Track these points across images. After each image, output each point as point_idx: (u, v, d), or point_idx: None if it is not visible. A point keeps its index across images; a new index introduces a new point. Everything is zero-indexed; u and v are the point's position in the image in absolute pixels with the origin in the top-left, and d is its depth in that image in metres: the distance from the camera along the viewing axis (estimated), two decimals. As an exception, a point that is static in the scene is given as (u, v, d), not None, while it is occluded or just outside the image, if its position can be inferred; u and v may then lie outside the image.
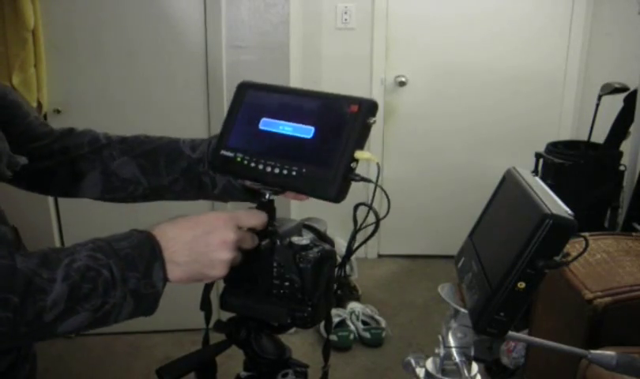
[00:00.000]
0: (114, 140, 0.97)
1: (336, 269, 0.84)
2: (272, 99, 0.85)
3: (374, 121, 0.75)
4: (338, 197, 0.75)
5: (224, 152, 0.84)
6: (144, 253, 0.70)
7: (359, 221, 0.79)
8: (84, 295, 0.66)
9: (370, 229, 0.78)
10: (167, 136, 0.97)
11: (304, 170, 0.76)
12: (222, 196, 0.95)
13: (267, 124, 0.82)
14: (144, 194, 0.96)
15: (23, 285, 0.63)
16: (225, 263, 0.73)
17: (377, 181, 0.74)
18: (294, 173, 0.77)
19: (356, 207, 0.79)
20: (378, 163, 0.77)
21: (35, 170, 0.92)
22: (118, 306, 0.69)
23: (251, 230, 0.76)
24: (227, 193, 0.93)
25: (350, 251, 0.82)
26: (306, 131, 0.78)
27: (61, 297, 0.65)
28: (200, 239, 0.73)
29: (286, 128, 0.80)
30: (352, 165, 0.75)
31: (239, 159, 0.82)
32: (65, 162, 0.95)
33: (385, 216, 0.77)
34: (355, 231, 0.80)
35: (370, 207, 0.76)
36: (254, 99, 0.86)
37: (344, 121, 0.75)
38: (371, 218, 0.78)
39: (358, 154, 0.75)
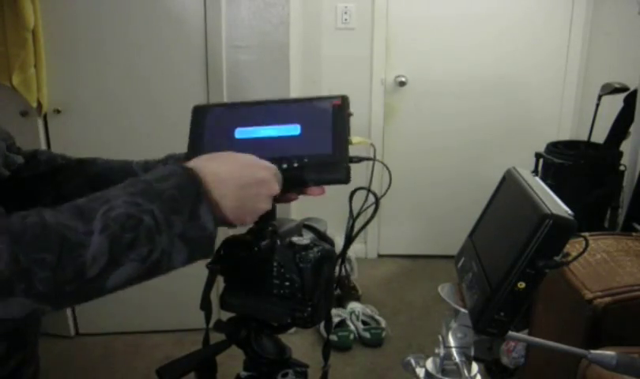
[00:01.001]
0: (73, 162, 0.95)
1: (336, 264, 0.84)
2: (239, 112, 0.85)
3: (352, 113, 0.81)
4: (347, 177, 0.77)
5: None
6: (188, 195, 0.66)
7: (359, 205, 0.80)
8: (127, 245, 0.62)
9: (370, 217, 0.79)
10: (120, 160, 0.95)
11: (306, 160, 0.77)
12: None
13: (243, 133, 0.81)
14: None
15: (56, 241, 0.59)
16: (262, 212, 0.74)
17: (374, 157, 0.79)
18: (296, 165, 0.77)
19: (352, 193, 0.80)
20: (372, 144, 0.81)
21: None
22: (168, 253, 0.65)
23: None
24: None
25: (349, 239, 0.82)
26: (291, 129, 0.80)
27: (101, 250, 0.60)
28: (251, 188, 0.71)
29: (268, 131, 0.80)
30: (348, 146, 0.78)
31: None
32: (21, 178, 0.92)
33: (385, 193, 0.79)
34: (353, 219, 0.81)
35: (368, 189, 0.78)
36: (216, 117, 0.84)
37: (329, 114, 0.80)
38: (370, 203, 0.79)
39: (353, 138, 0.79)
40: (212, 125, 0.83)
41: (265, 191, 0.72)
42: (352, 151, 0.79)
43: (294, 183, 0.78)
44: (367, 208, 0.80)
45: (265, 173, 0.73)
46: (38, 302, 0.59)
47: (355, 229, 0.82)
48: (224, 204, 0.69)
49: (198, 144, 0.82)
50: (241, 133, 0.81)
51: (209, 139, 0.82)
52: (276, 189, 0.74)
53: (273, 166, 0.75)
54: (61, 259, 0.59)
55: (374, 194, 0.78)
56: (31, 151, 0.96)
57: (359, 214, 0.80)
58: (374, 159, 0.78)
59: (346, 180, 0.77)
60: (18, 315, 0.58)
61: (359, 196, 0.81)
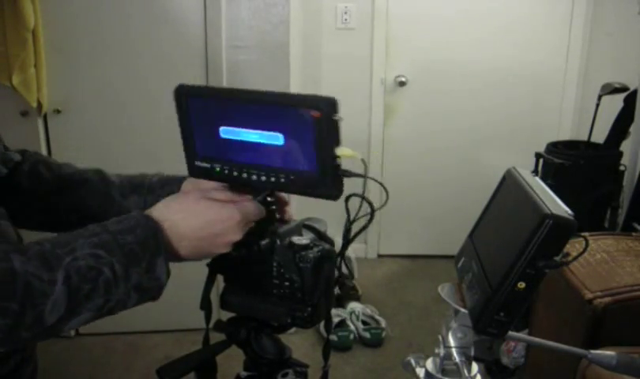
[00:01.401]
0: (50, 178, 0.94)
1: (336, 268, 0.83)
2: (223, 105, 0.79)
3: (341, 117, 0.70)
4: (332, 194, 0.73)
5: (198, 164, 0.81)
6: (148, 248, 0.69)
7: (355, 212, 0.78)
8: (85, 296, 0.65)
9: (367, 220, 0.78)
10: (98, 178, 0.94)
11: (292, 177, 0.74)
12: None
13: (227, 132, 0.77)
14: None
15: (22, 290, 0.61)
16: (219, 253, 0.76)
17: (365, 174, 0.73)
18: (282, 180, 0.74)
19: (348, 198, 0.77)
20: (363, 160, 0.73)
21: None
22: (122, 302, 0.68)
23: None
24: None
25: (346, 242, 0.82)
26: (274, 138, 0.74)
27: (61, 299, 0.63)
28: (209, 239, 0.74)
29: (252, 136, 0.75)
30: (336, 162, 0.71)
31: (217, 170, 0.79)
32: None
33: (381, 207, 0.77)
34: (350, 223, 0.80)
35: (362, 197, 0.75)
36: (198, 108, 0.80)
37: (310, 127, 0.70)
38: (366, 210, 0.77)
39: (339, 151, 0.72)
40: (197, 119, 0.80)
41: (222, 241, 0.75)
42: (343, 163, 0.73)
43: (283, 191, 0.78)
44: (363, 216, 0.78)
45: (223, 225, 0.74)
46: None
47: (353, 232, 0.81)
48: (180, 252, 0.73)
49: (189, 136, 0.81)
50: (226, 132, 0.77)
51: (199, 133, 0.80)
52: (235, 237, 0.75)
53: (236, 215, 0.74)
54: (24, 307, 0.61)
55: (370, 204, 0.76)
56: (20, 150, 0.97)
57: (354, 220, 0.79)
58: (365, 176, 0.73)
59: (337, 197, 0.73)
60: None
61: (357, 199, 0.79)
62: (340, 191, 0.73)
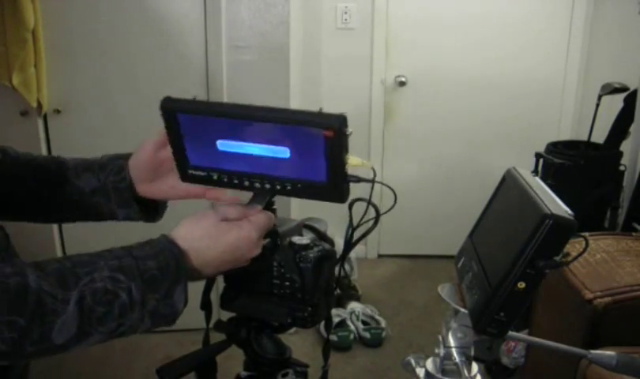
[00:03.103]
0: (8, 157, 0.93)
1: (336, 268, 0.84)
2: (215, 122, 0.73)
3: (351, 132, 0.69)
4: (339, 199, 0.73)
5: (192, 172, 0.77)
6: (169, 275, 0.69)
7: (359, 216, 0.78)
8: (98, 319, 0.64)
9: (369, 225, 0.78)
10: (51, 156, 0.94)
11: (299, 185, 0.72)
12: (126, 220, 0.92)
13: (226, 146, 0.73)
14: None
15: (33, 306, 0.60)
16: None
17: (373, 180, 0.73)
18: (289, 187, 0.73)
19: (352, 203, 0.77)
20: (373, 168, 0.74)
21: None
22: (134, 327, 0.68)
23: None
24: (130, 219, 0.92)
25: (348, 247, 0.81)
26: (280, 152, 0.71)
27: (72, 320, 0.62)
28: (231, 261, 0.75)
29: (253, 148, 0.72)
30: (345, 171, 0.71)
31: (215, 178, 0.76)
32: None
33: (388, 211, 0.77)
34: (353, 228, 0.80)
35: (369, 202, 0.75)
36: (189, 124, 0.74)
37: (321, 144, 0.68)
38: (370, 214, 0.77)
39: (349, 160, 0.71)
40: (190, 132, 0.74)
41: (243, 258, 0.76)
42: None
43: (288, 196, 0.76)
44: (367, 221, 0.78)
45: (245, 249, 0.75)
46: None
47: (357, 236, 0.81)
48: (200, 276, 0.74)
49: (180, 150, 0.76)
50: (224, 145, 0.73)
51: (191, 147, 0.75)
52: (255, 254, 0.76)
53: (254, 235, 0.75)
54: (32, 323, 0.60)
55: (376, 208, 0.76)
56: None
57: (359, 224, 0.79)
58: (373, 181, 0.73)
59: (344, 201, 0.74)
60: None
61: (361, 203, 0.79)
62: (347, 196, 0.73)
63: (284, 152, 0.71)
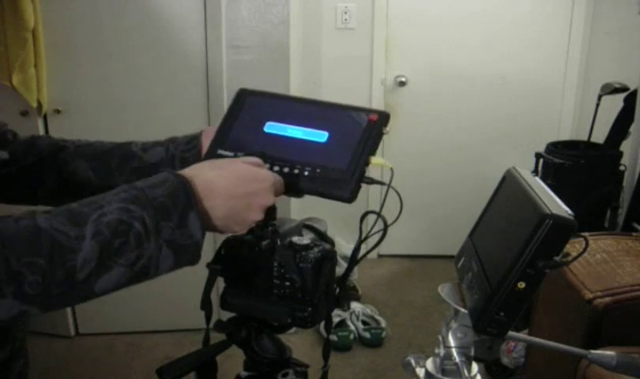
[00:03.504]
0: (70, 144, 0.96)
1: (339, 275, 0.84)
2: (277, 105, 0.85)
3: (387, 131, 0.79)
4: (352, 197, 0.75)
5: (221, 152, 0.82)
6: (178, 202, 0.67)
7: (367, 227, 0.79)
8: (116, 250, 0.63)
9: (376, 242, 0.79)
10: (118, 142, 0.97)
11: (318, 170, 0.76)
12: None
13: (273, 127, 0.81)
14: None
15: (48, 246, 0.60)
16: (253, 223, 0.74)
17: (389, 184, 0.76)
18: (306, 173, 0.76)
19: (363, 216, 0.79)
20: (391, 168, 0.77)
21: None
22: (156, 259, 0.66)
23: None
24: None
25: (354, 260, 0.83)
26: (319, 136, 0.79)
27: (91, 254, 0.61)
28: (242, 198, 0.71)
29: (296, 132, 0.80)
30: (365, 168, 0.76)
31: (240, 156, 0.80)
32: (25, 168, 0.94)
33: (395, 221, 0.77)
34: (361, 241, 0.81)
35: (379, 214, 0.76)
36: (255, 104, 0.85)
37: (361, 128, 0.77)
38: (378, 224, 0.78)
39: (372, 159, 0.77)
40: (247, 113, 0.84)
41: (256, 203, 0.72)
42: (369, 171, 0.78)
43: (299, 188, 0.78)
44: (376, 233, 0.79)
45: (259, 185, 0.73)
46: (26, 305, 0.60)
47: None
48: (213, 214, 0.70)
49: (226, 129, 0.84)
50: (270, 127, 0.81)
51: (240, 127, 0.83)
52: (269, 200, 0.73)
53: (270, 177, 0.74)
54: (52, 263, 0.60)
55: (384, 221, 0.76)
56: (28, 138, 0.97)
57: (367, 237, 0.80)
58: (388, 185, 0.75)
59: (350, 199, 0.75)
60: (4, 316, 0.59)
61: (356, 214, 0.80)
62: (356, 195, 0.75)
63: (322, 136, 0.79)
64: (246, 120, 0.84)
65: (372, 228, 0.78)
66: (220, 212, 0.70)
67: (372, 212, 0.78)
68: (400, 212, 0.78)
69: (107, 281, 0.64)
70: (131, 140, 0.96)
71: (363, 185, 0.77)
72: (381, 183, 0.78)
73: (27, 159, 0.95)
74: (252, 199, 0.72)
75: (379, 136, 0.77)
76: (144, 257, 0.65)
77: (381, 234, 0.78)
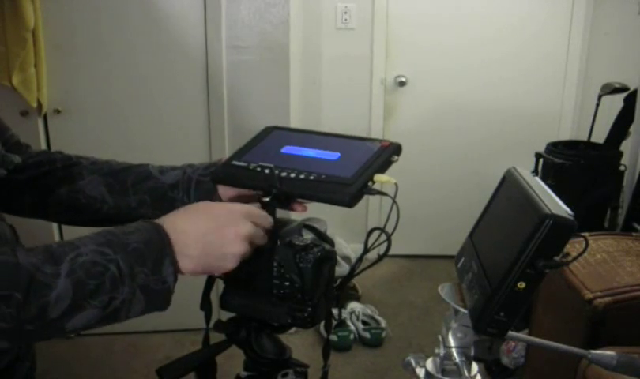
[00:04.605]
0: (85, 160, 0.97)
1: (339, 284, 0.85)
2: (299, 135, 0.91)
3: (397, 160, 0.85)
4: (352, 202, 0.78)
5: (235, 163, 0.86)
6: (153, 248, 0.69)
7: (370, 242, 0.82)
8: (91, 291, 0.64)
9: (379, 257, 0.82)
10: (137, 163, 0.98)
11: (323, 176, 0.80)
12: None
13: (289, 149, 0.87)
14: (108, 214, 0.94)
15: (26, 281, 0.61)
16: (237, 256, 0.73)
17: (394, 198, 0.78)
18: (312, 178, 0.80)
19: (370, 232, 0.81)
20: (395, 184, 0.80)
21: (6, 184, 0.89)
22: (128, 302, 0.67)
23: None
24: None
25: (352, 273, 0.85)
26: (331, 155, 0.85)
27: (65, 292, 0.63)
28: (214, 232, 0.72)
29: (310, 152, 0.86)
30: (369, 182, 0.80)
31: (251, 167, 0.84)
32: (37, 176, 0.94)
33: (393, 232, 0.79)
34: (363, 254, 0.83)
35: (382, 230, 0.79)
36: (279, 135, 0.92)
37: (372, 152, 0.84)
38: (382, 237, 0.80)
39: (377, 176, 0.80)
40: (268, 140, 0.91)
41: (230, 234, 0.72)
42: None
43: (302, 194, 0.81)
44: (378, 245, 0.82)
45: (229, 216, 0.73)
46: None
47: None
48: (188, 253, 0.71)
49: (246, 150, 0.89)
50: (288, 149, 0.88)
51: (259, 148, 0.89)
52: (244, 229, 0.73)
53: (240, 207, 0.75)
54: (27, 297, 0.61)
55: (388, 236, 0.79)
56: (41, 151, 0.98)
57: (368, 250, 0.83)
58: (393, 199, 0.78)
59: (350, 204, 0.78)
60: None
61: (356, 214, 0.81)
62: (356, 202, 0.79)
63: (333, 156, 0.85)
64: (266, 146, 0.90)
65: (376, 241, 0.82)
66: (195, 251, 0.71)
67: (377, 228, 0.80)
68: (397, 225, 0.79)
69: (79, 320, 0.65)
70: (147, 163, 0.97)
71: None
72: (383, 194, 0.81)
73: (39, 169, 0.95)
74: (224, 231, 0.72)
75: (388, 160, 0.84)
76: (117, 300, 0.67)
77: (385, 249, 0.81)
